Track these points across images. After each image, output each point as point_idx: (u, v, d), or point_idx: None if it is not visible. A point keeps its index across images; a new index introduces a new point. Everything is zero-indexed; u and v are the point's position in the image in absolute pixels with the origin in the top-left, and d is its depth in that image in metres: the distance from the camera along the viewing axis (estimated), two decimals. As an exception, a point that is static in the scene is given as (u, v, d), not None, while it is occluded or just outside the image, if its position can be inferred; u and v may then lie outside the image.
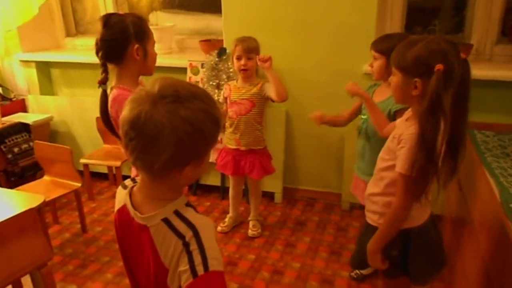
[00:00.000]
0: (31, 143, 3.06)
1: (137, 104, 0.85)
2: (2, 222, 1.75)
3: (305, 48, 2.71)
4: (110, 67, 1.60)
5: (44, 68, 3.50)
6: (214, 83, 2.78)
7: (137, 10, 3.45)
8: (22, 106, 3.49)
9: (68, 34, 3.64)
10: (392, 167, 1.41)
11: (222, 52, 2.75)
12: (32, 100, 3.49)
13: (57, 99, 3.49)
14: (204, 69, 2.85)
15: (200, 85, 2.89)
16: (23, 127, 3.12)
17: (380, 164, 1.50)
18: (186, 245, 0.88)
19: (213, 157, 2.87)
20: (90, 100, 3.20)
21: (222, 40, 2.89)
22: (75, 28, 3.66)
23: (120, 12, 1.61)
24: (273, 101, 2.37)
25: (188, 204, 0.96)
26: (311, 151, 2.94)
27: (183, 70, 2.95)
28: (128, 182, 1.05)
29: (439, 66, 1.24)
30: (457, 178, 1.58)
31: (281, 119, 2.88)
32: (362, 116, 2.03)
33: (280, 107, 2.87)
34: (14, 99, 3.51)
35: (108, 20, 1.54)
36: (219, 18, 2.91)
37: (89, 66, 3.18)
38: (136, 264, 1.02)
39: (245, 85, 2.40)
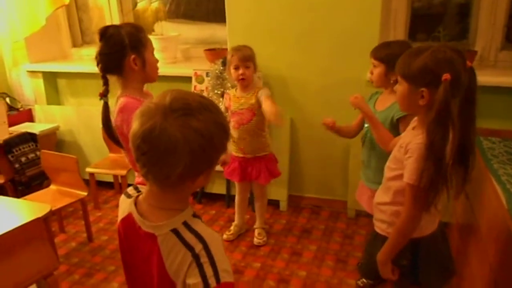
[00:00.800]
0: (37, 153, 3.09)
1: (147, 117, 0.84)
2: (9, 231, 1.76)
3: (309, 57, 2.72)
4: (113, 78, 1.63)
5: (50, 78, 3.54)
6: (219, 92, 2.79)
7: (142, 20, 3.49)
8: (29, 116, 3.53)
9: (75, 44, 3.68)
10: (399, 176, 1.40)
11: (226, 61, 2.77)
12: (39, 110, 3.52)
13: (63, 109, 3.52)
14: (209, 78, 2.87)
15: (205, 93, 2.91)
16: (30, 137, 3.15)
17: (387, 173, 1.50)
18: (196, 257, 0.89)
19: (218, 165, 2.87)
20: (96, 110, 3.17)
21: (226, 49, 2.90)
22: (81, 38, 3.70)
23: (117, 24, 1.63)
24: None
25: (194, 215, 0.97)
26: (316, 159, 2.94)
27: (188, 79, 2.97)
28: (131, 191, 1.05)
29: (446, 76, 1.24)
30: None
31: (286, 126, 2.88)
32: (366, 125, 2.03)
33: (285, 115, 2.87)
34: (21, 109, 3.54)
35: (104, 33, 1.57)
36: (224, 27, 2.93)
37: (95, 76, 3.15)
38: (139, 274, 1.02)
39: (244, 94, 2.41)
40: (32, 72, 3.49)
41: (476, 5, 2.57)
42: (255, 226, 2.72)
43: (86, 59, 3.58)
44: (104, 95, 1.63)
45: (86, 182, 2.77)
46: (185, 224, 0.93)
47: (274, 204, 3.02)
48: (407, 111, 1.50)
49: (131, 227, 0.97)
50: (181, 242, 0.91)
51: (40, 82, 3.50)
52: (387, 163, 1.49)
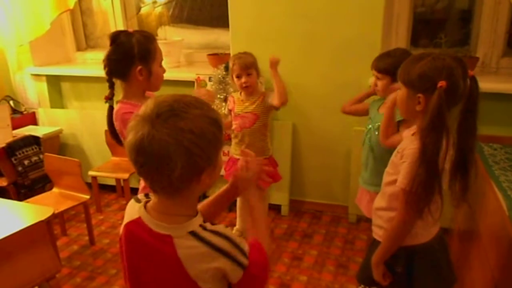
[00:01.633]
0: (41, 156, 3.10)
1: (136, 129, 0.86)
2: (12, 234, 1.78)
3: (311, 62, 2.74)
4: (118, 82, 1.65)
5: (54, 81, 3.56)
6: (222, 96, 2.80)
7: (146, 25, 3.51)
8: (32, 119, 3.55)
9: (79, 48, 3.70)
10: (395, 181, 1.41)
11: (229, 67, 2.78)
12: (42, 113, 3.54)
13: (66, 112, 3.54)
14: (212, 83, 2.89)
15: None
16: (34, 140, 3.17)
17: (385, 178, 1.51)
18: (227, 255, 0.92)
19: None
20: (99, 113, 3.24)
21: (229, 54, 2.92)
22: (85, 42, 3.73)
23: (129, 30, 1.64)
24: (276, 109, 2.39)
25: (204, 221, 0.98)
26: (318, 164, 2.95)
27: (191, 83, 2.99)
28: (141, 196, 1.05)
29: (441, 83, 1.25)
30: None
31: (287, 132, 2.90)
32: (367, 126, 2.04)
33: (286, 120, 2.88)
34: (25, 112, 3.56)
35: (115, 38, 1.58)
36: (227, 32, 2.95)
37: (99, 80, 3.19)
38: (145, 280, 1.01)
39: (248, 98, 2.42)
40: (36, 76, 3.51)
41: (478, 11, 2.59)
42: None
43: (90, 63, 3.60)
44: (109, 98, 1.65)
45: (89, 185, 2.79)
46: (201, 226, 0.94)
47: (275, 208, 3.02)
48: (406, 117, 1.51)
49: (139, 231, 0.97)
50: (205, 244, 0.92)
51: (44, 85, 3.52)
52: (386, 168, 1.50)
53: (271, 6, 2.71)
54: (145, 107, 0.88)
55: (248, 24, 2.80)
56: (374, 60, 1.93)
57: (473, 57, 2.50)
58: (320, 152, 2.90)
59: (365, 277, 1.65)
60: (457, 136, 1.33)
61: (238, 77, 2.35)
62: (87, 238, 2.77)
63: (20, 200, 2.69)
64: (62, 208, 2.55)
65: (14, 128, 3.19)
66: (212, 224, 0.97)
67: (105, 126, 1.73)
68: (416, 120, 1.42)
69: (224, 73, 2.81)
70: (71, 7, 3.13)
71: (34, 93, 3.58)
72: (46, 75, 3.49)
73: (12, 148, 3.02)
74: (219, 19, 3.15)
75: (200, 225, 0.94)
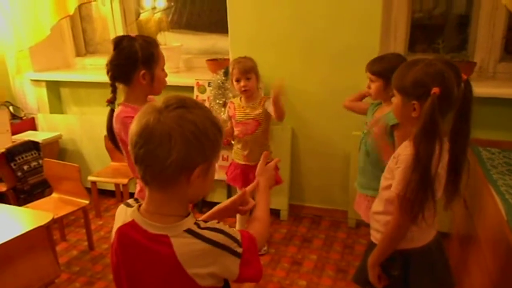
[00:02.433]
0: (40, 161, 3.10)
1: (143, 116, 0.89)
2: (11, 239, 1.78)
3: (310, 67, 2.75)
4: (120, 86, 1.66)
5: (54, 87, 3.57)
6: (221, 102, 2.81)
7: (145, 31, 3.53)
8: (32, 125, 3.55)
9: (78, 54, 3.72)
10: (390, 186, 1.42)
11: (228, 71, 2.79)
12: (41, 119, 3.55)
13: (66, 118, 3.54)
14: (211, 88, 2.90)
15: (207, 103, 2.93)
16: (33, 145, 3.17)
17: (382, 182, 1.52)
18: (224, 248, 0.94)
19: (219, 174, 2.89)
20: (99, 119, 3.23)
21: (228, 59, 2.93)
22: (84, 48, 3.74)
23: (132, 35, 1.66)
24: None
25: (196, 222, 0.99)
26: (317, 169, 2.95)
27: (190, 88, 3.00)
28: (132, 201, 1.05)
29: (435, 90, 1.25)
30: (463, 196, 1.58)
31: (287, 137, 2.90)
32: (363, 131, 2.06)
33: (286, 125, 2.89)
34: (24, 117, 3.57)
35: (118, 43, 1.60)
36: (226, 37, 2.96)
37: (98, 85, 3.24)
38: (143, 280, 1.00)
39: (249, 104, 2.43)
40: (36, 81, 3.52)
41: (475, 17, 2.60)
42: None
43: (89, 69, 3.62)
44: (111, 101, 1.67)
45: (88, 190, 2.79)
46: (196, 224, 0.96)
47: (274, 213, 3.03)
48: (402, 123, 1.52)
49: (133, 234, 0.97)
50: (202, 240, 0.93)
51: (43, 91, 3.53)
52: (383, 173, 1.51)
53: (270, 11, 2.73)
54: (156, 102, 0.93)
55: (247, 29, 2.82)
56: (368, 63, 1.97)
57: (471, 62, 2.52)
58: (319, 156, 2.91)
59: (362, 279, 1.66)
60: (450, 139, 1.34)
61: (238, 81, 2.36)
62: (86, 243, 2.77)
63: (19, 205, 2.70)
64: (61, 213, 2.55)
65: (13, 133, 3.19)
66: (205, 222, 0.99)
67: (104, 131, 1.74)
68: (411, 126, 1.43)
69: (223, 78, 2.82)
70: (71, 13, 3.14)
71: (33, 98, 3.59)
72: (46, 81, 3.50)
73: (12, 153, 3.02)
74: (218, 25, 3.17)
75: (195, 223, 0.95)
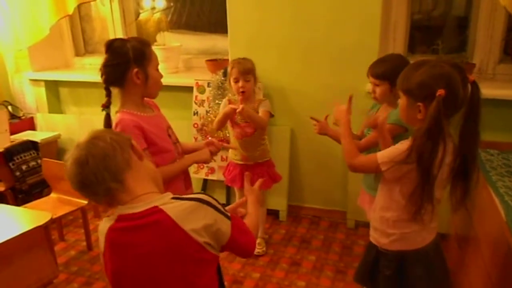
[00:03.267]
0: (39, 161, 3.10)
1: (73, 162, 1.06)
2: (10, 239, 1.77)
3: (310, 68, 2.75)
4: (115, 91, 1.65)
5: (53, 86, 3.56)
6: (220, 102, 2.81)
7: (144, 31, 3.53)
8: (30, 124, 3.55)
9: (77, 54, 3.71)
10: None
11: (227, 71, 2.79)
12: (40, 118, 3.54)
13: (65, 118, 3.54)
14: (210, 88, 2.90)
15: (206, 103, 2.93)
16: (32, 145, 3.17)
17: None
18: (210, 205, 1.04)
19: (218, 175, 2.89)
20: (98, 119, 3.18)
21: (228, 60, 2.93)
22: (84, 47, 3.74)
23: (124, 37, 1.65)
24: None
25: None
26: (316, 169, 2.95)
27: (189, 89, 3.00)
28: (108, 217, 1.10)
29: (440, 92, 1.25)
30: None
31: (286, 137, 2.90)
32: (365, 133, 2.05)
33: (285, 126, 2.89)
34: (23, 117, 3.56)
35: (110, 45, 1.59)
36: (225, 38, 2.96)
37: (97, 85, 3.19)
38: (151, 263, 1.03)
39: (247, 106, 2.42)
40: (35, 81, 3.52)
41: (474, 18, 2.61)
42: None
43: (88, 69, 3.61)
44: (106, 106, 1.66)
45: (87, 190, 2.78)
46: (178, 195, 1.07)
47: (273, 214, 3.02)
48: (409, 124, 1.52)
49: (121, 226, 1.03)
50: (189, 200, 1.03)
51: (42, 90, 3.52)
52: None
53: (269, 12, 2.73)
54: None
55: (247, 30, 2.82)
56: (369, 67, 1.92)
57: (470, 63, 2.52)
58: (318, 157, 2.91)
59: (362, 278, 1.68)
60: (459, 142, 1.34)
61: (236, 81, 2.36)
62: (84, 243, 2.76)
63: (17, 205, 2.69)
64: (59, 213, 2.54)
65: (12, 133, 3.19)
66: None
67: (103, 132, 1.73)
68: (414, 126, 1.44)
69: (222, 78, 2.82)
70: (70, 12, 3.14)
71: (32, 98, 3.58)
72: (45, 80, 3.49)
73: (10, 153, 3.02)
74: (218, 25, 3.17)
75: (177, 195, 1.07)
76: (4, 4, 3.25)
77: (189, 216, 1.01)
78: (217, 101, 2.82)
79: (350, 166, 1.49)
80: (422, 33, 2.84)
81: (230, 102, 2.52)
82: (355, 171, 1.54)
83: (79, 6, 3.51)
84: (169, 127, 1.77)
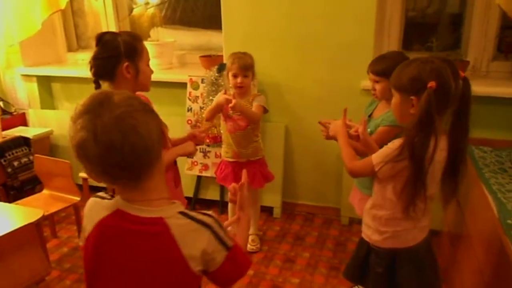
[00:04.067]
0: (31, 157, 3.07)
1: (83, 130, 0.85)
2: (1, 236, 1.75)
3: (305, 65, 2.75)
4: (105, 85, 1.63)
5: (45, 82, 3.53)
6: (214, 98, 2.80)
7: (138, 26, 3.50)
8: (22, 120, 3.51)
9: (70, 49, 3.68)
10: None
11: (222, 67, 2.78)
12: (32, 114, 3.51)
13: (57, 113, 3.51)
14: (204, 84, 2.88)
15: (200, 100, 2.92)
16: (24, 141, 3.14)
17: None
18: (214, 233, 0.96)
19: (212, 171, 2.87)
20: (91, 114, 3.21)
21: (222, 56, 2.92)
22: (76, 43, 3.70)
23: (115, 31, 1.64)
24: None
25: None
26: (310, 166, 2.95)
27: (183, 85, 2.98)
28: (102, 194, 1.02)
29: (431, 83, 1.27)
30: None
31: (280, 134, 2.90)
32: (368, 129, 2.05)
33: (279, 122, 2.89)
34: (14, 113, 3.53)
35: (101, 38, 1.58)
36: (219, 34, 2.95)
37: (90, 81, 3.17)
38: (132, 270, 0.95)
39: (241, 101, 2.42)
40: (26, 76, 3.48)
41: (468, 16, 2.61)
42: (249, 233, 2.71)
43: (81, 64, 3.57)
44: None
45: (79, 187, 2.76)
46: (187, 209, 0.98)
47: (267, 210, 3.02)
48: (402, 121, 1.52)
49: (118, 223, 0.93)
50: (195, 221, 0.95)
51: (34, 86, 3.49)
52: None
53: (264, 8, 2.72)
54: (74, 112, 0.90)
55: (241, 26, 2.81)
56: (370, 64, 1.92)
57: (464, 60, 2.53)
58: (312, 154, 2.91)
59: (353, 275, 1.69)
60: (449, 137, 1.35)
61: (235, 76, 2.34)
62: (77, 240, 2.75)
63: (9, 201, 2.66)
64: (52, 210, 2.52)
65: (3, 129, 3.16)
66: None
67: (96, 127, 1.72)
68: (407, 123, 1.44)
69: (216, 75, 2.80)
70: (63, 7, 3.11)
71: (24, 93, 3.54)
72: (37, 76, 3.46)
73: (2, 149, 2.99)
74: (212, 21, 3.15)
75: (186, 209, 0.98)
76: (-5, -1, 3.21)
77: (191, 239, 0.94)
78: (211, 97, 2.81)
79: (350, 172, 1.52)
80: (416, 30, 2.84)
81: (225, 93, 2.49)
82: (355, 175, 1.58)
83: (71, 1, 3.48)
84: (163, 124, 1.75)
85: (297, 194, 3.06)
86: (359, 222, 2.53)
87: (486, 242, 1.58)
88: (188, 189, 3.04)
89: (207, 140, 2.85)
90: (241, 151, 2.44)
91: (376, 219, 1.51)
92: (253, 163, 2.49)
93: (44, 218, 2.07)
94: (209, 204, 3.14)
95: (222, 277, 1.02)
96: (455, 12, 2.84)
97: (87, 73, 3.43)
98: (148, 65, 1.66)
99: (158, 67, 3.00)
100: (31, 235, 1.89)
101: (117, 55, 1.56)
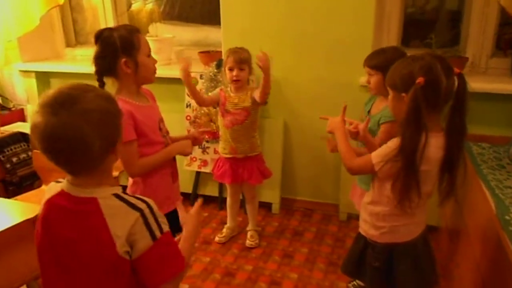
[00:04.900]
0: (29, 153, 3.06)
1: (43, 124, 0.92)
2: (0, 232, 1.75)
3: (303, 60, 2.75)
4: (110, 81, 1.64)
5: (43, 78, 3.52)
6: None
7: (136, 22, 3.49)
8: (21, 116, 3.51)
9: (68, 45, 3.67)
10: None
11: (220, 63, 2.78)
12: (31, 110, 3.50)
13: (56, 109, 3.50)
14: (203, 80, 2.88)
15: (199, 96, 2.91)
16: (22, 137, 3.13)
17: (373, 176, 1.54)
18: (143, 216, 0.99)
19: (211, 167, 2.88)
20: (89, 110, 3.21)
21: (221, 52, 2.91)
22: (75, 38, 3.69)
23: (112, 26, 1.65)
24: (259, 104, 2.39)
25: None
26: (309, 162, 2.96)
27: (181, 80, 2.97)
28: (60, 179, 1.09)
29: (419, 80, 1.28)
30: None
31: (279, 130, 2.90)
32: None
33: (278, 118, 2.89)
34: (13, 108, 3.52)
35: (99, 36, 1.59)
36: (218, 30, 2.94)
37: (89, 77, 3.12)
38: (70, 251, 1.01)
39: (238, 95, 2.42)
40: (25, 72, 3.47)
41: (467, 12, 2.61)
42: (247, 228, 2.72)
43: (79, 60, 3.57)
44: None
45: (78, 183, 2.76)
46: (123, 192, 1.03)
47: (266, 206, 3.03)
48: (398, 118, 1.53)
49: (61, 201, 1.01)
50: (127, 204, 1.00)
51: (32, 81, 3.48)
52: None
53: (263, 3, 2.72)
54: (41, 100, 0.96)
55: (240, 21, 2.80)
56: (366, 58, 1.95)
57: (463, 57, 2.53)
58: (311, 150, 2.91)
59: (350, 269, 1.70)
60: (446, 134, 1.36)
61: (231, 69, 2.35)
62: (76, 236, 2.75)
63: (8, 197, 2.66)
64: (51, 205, 2.52)
65: (2, 124, 3.15)
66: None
67: (94, 123, 1.72)
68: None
69: (215, 70, 2.80)
70: (61, 2, 3.10)
71: (22, 89, 3.54)
72: (35, 71, 3.45)
73: (0, 145, 2.98)
74: (211, 17, 3.14)
75: (123, 192, 1.03)
76: (-7, -6, 3.20)
77: (119, 220, 0.97)
78: (209, 93, 2.80)
79: (349, 169, 1.52)
80: (415, 26, 2.84)
81: (222, 91, 2.50)
82: (354, 173, 1.58)
83: (69, -4, 3.47)
84: (161, 120, 1.76)
85: (295, 190, 3.07)
86: (357, 218, 2.53)
87: (484, 237, 1.59)
88: (187, 185, 3.04)
89: (206, 136, 2.85)
90: (238, 146, 2.44)
91: (373, 214, 1.52)
92: (251, 159, 2.49)
93: (43, 213, 2.06)
94: (208, 200, 3.14)
95: (145, 271, 1.00)
96: (454, 8, 2.84)
97: (85, 69, 3.43)
98: (149, 56, 1.66)
99: (157, 63, 2.99)
100: (30, 230, 1.88)
101: (114, 51, 1.57)
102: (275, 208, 3.04)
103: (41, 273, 1.09)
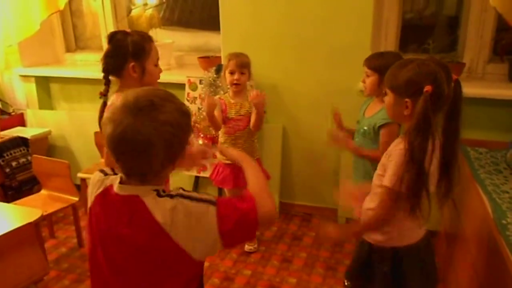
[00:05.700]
0: (29, 157, 3.07)
1: (118, 120, 0.94)
2: (0, 236, 1.76)
3: (302, 66, 2.76)
4: (113, 79, 1.69)
5: (43, 83, 3.53)
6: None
7: (136, 27, 3.50)
8: (21, 120, 3.51)
9: (68, 50, 3.68)
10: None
11: (220, 68, 2.79)
12: (31, 115, 3.51)
13: (55, 114, 3.51)
14: (202, 85, 2.89)
15: (198, 101, 2.93)
16: (22, 141, 3.14)
17: (375, 180, 1.53)
18: (180, 195, 1.01)
19: (209, 172, 2.88)
20: (89, 115, 3.22)
21: (220, 57, 2.93)
22: (75, 43, 3.71)
23: (128, 30, 1.69)
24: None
25: None
26: (307, 167, 2.96)
27: (181, 86, 2.99)
28: (107, 170, 1.10)
29: (427, 88, 1.28)
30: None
31: (278, 135, 2.91)
32: (365, 128, 2.07)
33: (277, 123, 2.90)
34: (13, 113, 3.53)
35: (112, 37, 1.65)
36: (218, 35, 2.96)
37: (88, 81, 3.22)
38: (124, 247, 1.02)
39: (239, 100, 2.43)
40: (25, 77, 3.48)
41: (465, 18, 2.63)
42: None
43: (79, 65, 3.58)
44: (104, 94, 1.69)
45: (78, 187, 2.77)
46: (164, 191, 1.03)
47: (265, 211, 3.03)
48: (395, 120, 1.55)
49: (108, 199, 1.03)
50: (169, 196, 1.00)
51: (32, 86, 3.49)
52: (377, 171, 1.53)
53: (262, 9, 2.73)
54: (124, 99, 0.97)
55: (240, 27, 2.82)
56: (367, 58, 1.99)
57: (460, 62, 2.55)
58: (310, 155, 2.92)
59: (350, 272, 1.70)
60: (442, 138, 1.37)
61: (232, 73, 2.37)
62: (75, 240, 2.75)
63: (7, 201, 2.66)
64: (50, 210, 2.53)
65: (2, 129, 3.16)
66: None
67: (94, 128, 1.74)
68: (403, 123, 1.46)
69: (214, 76, 2.81)
70: (61, 8, 3.11)
71: (22, 94, 3.55)
72: (35, 76, 3.46)
73: (0, 149, 2.99)
74: (210, 22, 3.16)
75: (163, 190, 1.02)
76: (-6, -1, 3.21)
77: (163, 208, 0.98)
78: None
79: (385, 220, 1.45)
80: (413, 32, 2.86)
81: (221, 100, 2.51)
82: (390, 215, 1.45)
83: (70, 1, 3.48)
84: None
85: (294, 194, 3.08)
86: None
87: (481, 242, 1.60)
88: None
89: (205, 141, 2.86)
90: (240, 152, 2.45)
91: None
92: None
93: (42, 218, 2.07)
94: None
95: (227, 223, 0.99)
96: (452, 14, 2.86)
97: (85, 73, 3.45)
98: (156, 65, 1.71)
99: (162, 72, 3.01)
100: (30, 235, 1.90)
101: (124, 54, 1.62)
102: (274, 212, 3.04)
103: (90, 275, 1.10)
